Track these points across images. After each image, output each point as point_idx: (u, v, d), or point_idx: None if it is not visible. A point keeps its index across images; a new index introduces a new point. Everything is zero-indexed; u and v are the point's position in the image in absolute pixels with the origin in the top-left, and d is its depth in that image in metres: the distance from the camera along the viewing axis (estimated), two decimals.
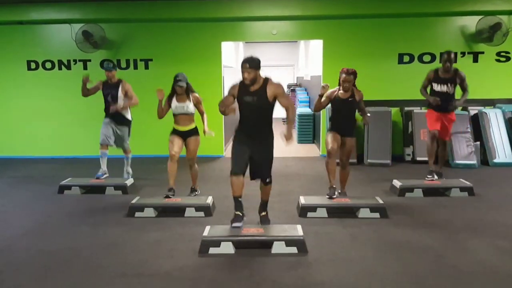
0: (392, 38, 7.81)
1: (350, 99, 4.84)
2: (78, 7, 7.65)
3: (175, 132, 5.16)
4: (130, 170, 6.23)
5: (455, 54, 5.76)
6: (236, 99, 3.99)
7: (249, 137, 3.97)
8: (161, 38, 8.04)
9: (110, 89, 5.93)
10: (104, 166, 5.95)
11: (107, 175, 5.97)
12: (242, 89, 3.93)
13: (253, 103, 3.90)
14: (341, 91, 4.86)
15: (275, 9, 7.59)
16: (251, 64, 3.79)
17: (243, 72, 3.83)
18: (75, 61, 8.14)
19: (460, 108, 7.80)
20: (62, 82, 8.15)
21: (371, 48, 7.82)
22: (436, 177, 5.64)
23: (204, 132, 5.21)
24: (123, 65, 8.10)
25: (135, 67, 8.11)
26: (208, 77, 8.00)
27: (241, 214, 4.00)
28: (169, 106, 5.10)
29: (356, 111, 4.97)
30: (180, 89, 5.03)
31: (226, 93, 4.22)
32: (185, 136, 5.15)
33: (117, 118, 5.96)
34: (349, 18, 7.77)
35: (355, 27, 7.80)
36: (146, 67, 8.09)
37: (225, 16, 7.70)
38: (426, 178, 5.62)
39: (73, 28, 7.79)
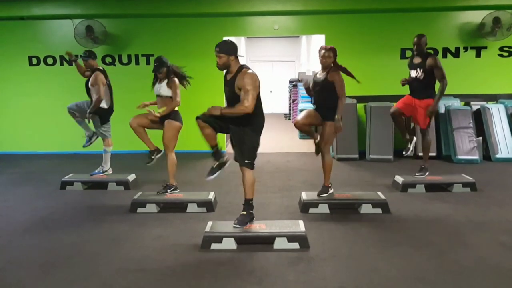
0: (394, 33, 7.76)
1: (323, 79, 4.58)
2: (79, 2, 7.64)
3: None
4: (105, 167, 5.97)
5: (426, 38, 5.49)
6: None
7: (232, 127, 3.90)
8: (162, 34, 8.01)
9: (88, 79, 5.77)
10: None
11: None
12: (224, 79, 3.85)
13: (227, 93, 3.80)
14: (319, 72, 4.69)
15: (277, 4, 7.55)
16: (221, 48, 3.62)
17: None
18: (76, 56, 8.11)
19: (462, 103, 7.79)
20: (63, 77, 8.14)
21: (374, 43, 7.78)
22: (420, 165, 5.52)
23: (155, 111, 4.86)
24: (125, 60, 8.09)
25: (137, 63, 8.10)
26: (210, 72, 7.96)
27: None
28: None
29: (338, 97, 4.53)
30: (160, 75, 4.94)
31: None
32: (162, 120, 4.94)
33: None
34: (351, 13, 7.73)
35: (357, 22, 7.76)
36: (148, 62, 8.06)
37: (226, 11, 7.67)
38: (419, 175, 5.52)
39: (74, 23, 7.77)
